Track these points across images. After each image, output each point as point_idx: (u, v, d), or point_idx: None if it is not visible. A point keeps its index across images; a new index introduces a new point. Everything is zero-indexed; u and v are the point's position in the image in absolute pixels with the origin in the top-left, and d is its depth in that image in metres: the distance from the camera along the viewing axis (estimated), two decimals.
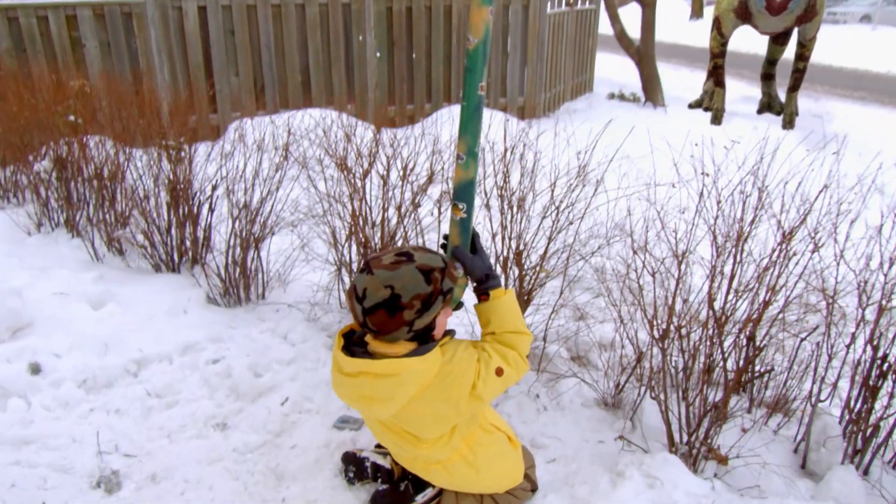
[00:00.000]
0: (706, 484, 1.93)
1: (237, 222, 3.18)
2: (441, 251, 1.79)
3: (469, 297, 1.83)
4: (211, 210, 3.49)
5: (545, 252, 2.52)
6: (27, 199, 4.38)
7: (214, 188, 3.45)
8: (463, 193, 1.74)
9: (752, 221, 2.09)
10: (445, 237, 1.81)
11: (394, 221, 2.84)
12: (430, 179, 2.82)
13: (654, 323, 2.10)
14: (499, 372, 1.68)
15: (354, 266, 2.95)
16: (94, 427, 2.29)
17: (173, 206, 3.40)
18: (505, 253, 2.59)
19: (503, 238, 2.57)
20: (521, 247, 2.59)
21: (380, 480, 1.99)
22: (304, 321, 2.95)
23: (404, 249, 1.57)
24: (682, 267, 2.03)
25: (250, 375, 2.51)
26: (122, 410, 2.38)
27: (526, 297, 2.65)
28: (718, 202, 2.00)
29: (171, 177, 3.31)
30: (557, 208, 2.43)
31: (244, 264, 3.19)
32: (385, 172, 2.75)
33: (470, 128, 1.69)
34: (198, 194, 3.45)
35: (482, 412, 1.84)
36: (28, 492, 1.98)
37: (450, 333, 1.71)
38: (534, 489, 2.02)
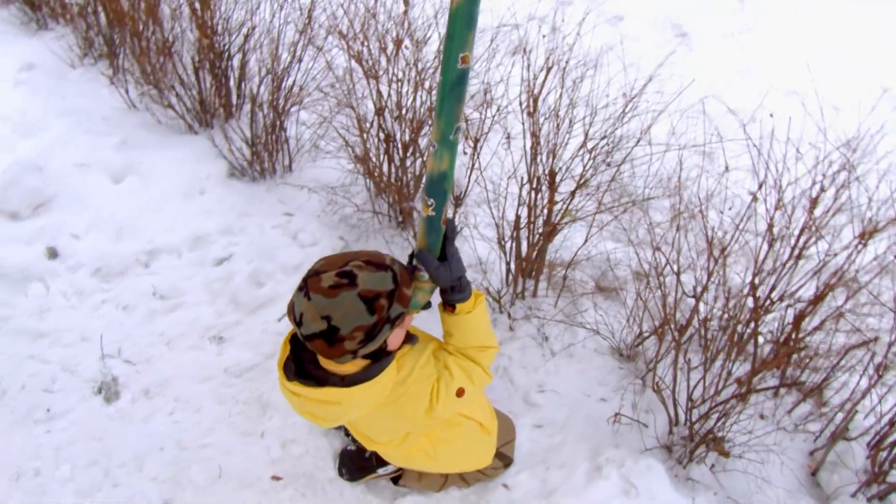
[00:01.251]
0: (685, 501, 1.80)
1: (263, 84, 2.93)
2: (411, 255, 1.53)
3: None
4: (244, 62, 3.23)
5: (573, 193, 2.17)
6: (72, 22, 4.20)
7: (247, 37, 3.16)
8: (434, 187, 1.41)
9: (825, 214, 1.66)
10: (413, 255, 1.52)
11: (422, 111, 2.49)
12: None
13: (670, 328, 1.81)
14: (460, 393, 1.52)
15: (381, 161, 2.68)
16: (105, 322, 2.38)
17: (202, 59, 3.16)
18: (535, 172, 2.24)
19: (534, 154, 2.18)
20: (556, 168, 2.22)
21: (350, 438, 1.99)
22: (318, 216, 2.81)
23: (348, 268, 1.32)
24: (713, 268, 1.68)
25: (252, 285, 2.47)
26: (129, 307, 2.43)
27: (550, 231, 2.35)
28: (777, 205, 1.56)
29: (199, 24, 3.02)
30: (591, 151, 2.02)
31: (272, 128, 3.00)
32: (403, 75, 2.35)
33: (446, 108, 1.31)
34: (228, 46, 3.18)
35: None
36: (34, 395, 2.13)
37: (409, 341, 1.52)
38: (507, 465, 1.96)
